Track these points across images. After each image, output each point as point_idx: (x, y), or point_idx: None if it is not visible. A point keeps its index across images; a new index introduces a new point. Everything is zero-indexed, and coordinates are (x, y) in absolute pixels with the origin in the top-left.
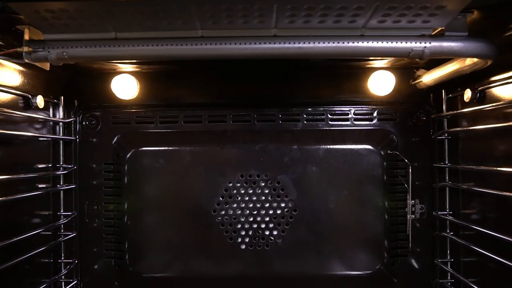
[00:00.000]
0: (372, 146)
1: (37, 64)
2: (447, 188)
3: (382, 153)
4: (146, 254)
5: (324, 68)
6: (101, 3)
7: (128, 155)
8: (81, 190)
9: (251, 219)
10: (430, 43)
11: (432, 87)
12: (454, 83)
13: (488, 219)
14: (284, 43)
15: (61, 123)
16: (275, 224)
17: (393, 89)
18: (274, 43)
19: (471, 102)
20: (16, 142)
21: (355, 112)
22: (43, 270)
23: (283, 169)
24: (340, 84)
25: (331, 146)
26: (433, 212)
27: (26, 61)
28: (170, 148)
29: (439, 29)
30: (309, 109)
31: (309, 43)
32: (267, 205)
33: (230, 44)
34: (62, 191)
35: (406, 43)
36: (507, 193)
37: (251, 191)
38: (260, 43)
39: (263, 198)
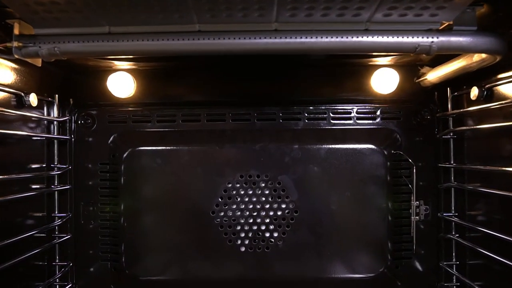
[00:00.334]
0: (375, 145)
1: (28, 60)
2: (453, 188)
3: (386, 152)
4: (143, 256)
5: (326, 65)
6: None
7: (124, 155)
8: (76, 190)
9: (251, 220)
10: (437, 37)
11: (437, 85)
12: (460, 80)
13: (495, 221)
14: (286, 37)
15: (55, 122)
16: (276, 226)
17: (396, 87)
18: (275, 37)
19: (478, 100)
20: (9, 141)
21: (358, 110)
22: (37, 273)
23: (283, 169)
24: (342, 82)
25: (333, 146)
26: (438, 214)
27: (16, 56)
28: (167, 147)
29: (447, 23)
30: (311, 107)
31: (311, 37)
32: (267, 206)
33: (229, 38)
34: (56, 192)
35: (412, 38)
36: None
37: (251, 192)
38: (260, 38)
39: (263, 199)
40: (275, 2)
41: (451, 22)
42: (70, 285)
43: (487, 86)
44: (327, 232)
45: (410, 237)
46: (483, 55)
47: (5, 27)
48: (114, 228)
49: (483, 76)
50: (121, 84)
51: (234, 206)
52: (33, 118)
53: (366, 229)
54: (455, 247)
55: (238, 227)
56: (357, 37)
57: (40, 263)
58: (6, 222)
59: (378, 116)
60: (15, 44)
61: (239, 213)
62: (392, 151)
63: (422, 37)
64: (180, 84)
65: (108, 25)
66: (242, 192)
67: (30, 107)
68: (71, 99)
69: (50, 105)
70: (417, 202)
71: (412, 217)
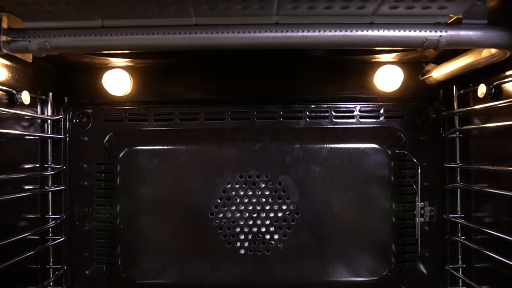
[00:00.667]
0: (378, 145)
1: (17, 55)
2: (459, 189)
3: (389, 152)
4: (139, 259)
5: (328, 62)
6: None
7: (120, 155)
8: (71, 191)
9: (251, 222)
10: (446, 31)
11: (442, 82)
12: (466, 78)
13: (502, 222)
14: (287, 31)
15: (49, 121)
16: (276, 228)
17: (401, 85)
18: (276, 31)
19: (485, 98)
20: (0, 140)
21: (361, 109)
22: (30, 277)
23: (284, 169)
24: (345, 79)
25: (335, 145)
26: (444, 215)
27: (5, 51)
28: (165, 147)
29: (456, 16)
30: (312, 105)
31: (314, 31)
32: (267, 207)
33: (228, 32)
34: (50, 193)
35: (420, 31)
36: None
37: (250, 193)
38: (260, 32)
39: (263, 200)
40: None
41: (460, 16)
42: None
43: (495, 83)
44: (329, 234)
45: (415, 239)
46: (493, 50)
47: None
48: (110, 230)
49: (491, 73)
50: (117, 81)
51: (234, 207)
52: (26, 117)
53: (369, 231)
54: (461, 250)
55: (238, 229)
56: (362, 31)
57: (33, 266)
58: None
59: (382, 114)
60: (3, 38)
61: (238, 214)
62: (396, 151)
63: (430, 31)
64: (177, 82)
65: (101, 19)
66: (242, 193)
67: (22, 105)
68: (65, 97)
69: (43, 103)
70: (422, 203)
71: (417, 219)
